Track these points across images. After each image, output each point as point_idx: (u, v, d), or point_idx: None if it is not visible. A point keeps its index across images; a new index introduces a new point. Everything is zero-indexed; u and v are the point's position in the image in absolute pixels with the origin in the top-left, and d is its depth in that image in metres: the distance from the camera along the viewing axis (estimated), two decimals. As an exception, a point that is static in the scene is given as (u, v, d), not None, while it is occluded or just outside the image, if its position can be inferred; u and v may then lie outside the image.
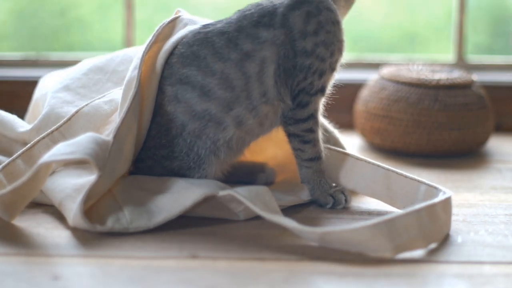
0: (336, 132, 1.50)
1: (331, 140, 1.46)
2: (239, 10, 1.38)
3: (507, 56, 2.16)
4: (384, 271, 1.15)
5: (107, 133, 1.37)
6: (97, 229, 1.24)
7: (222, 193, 1.28)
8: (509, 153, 1.79)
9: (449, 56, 2.07)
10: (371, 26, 2.35)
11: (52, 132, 1.39)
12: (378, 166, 1.40)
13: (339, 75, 1.40)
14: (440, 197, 1.28)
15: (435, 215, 1.24)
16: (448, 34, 2.10)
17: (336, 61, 1.36)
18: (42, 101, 1.52)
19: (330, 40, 1.35)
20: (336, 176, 1.42)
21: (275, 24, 1.34)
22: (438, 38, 2.35)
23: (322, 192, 1.38)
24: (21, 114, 1.58)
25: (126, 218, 1.26)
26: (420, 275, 1.15)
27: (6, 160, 1.39)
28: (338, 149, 1.44)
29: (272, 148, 1.51)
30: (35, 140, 1.38)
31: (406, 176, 1.37)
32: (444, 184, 1.47)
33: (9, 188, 1.25)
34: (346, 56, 1.39)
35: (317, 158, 1.37)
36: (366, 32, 2.34)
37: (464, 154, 1.76)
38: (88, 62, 1.54)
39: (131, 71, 1.37)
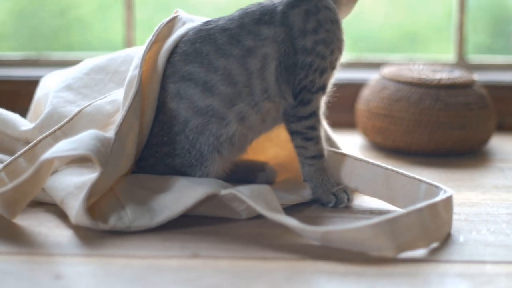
0: (333, 135, 1.50)
1: (329, 142, 1.46)
2: (241, 8, 1.38)
3: (508, 56, 2.16)
4: (386, 270, 1.15)
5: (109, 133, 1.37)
6: (99, 227, 1.24)
7: (224, 192, 1.28)
8: (511, 152, 1.79)
9: (450, 56, 2.07)
10: (372, 26, 2.35)
11: (54, 131, 1.39)
12: (378, 166, 1.40)
13: (340, 75, 1.40)
14: (441, 196, 1.28)
15: (437, 214, 1.24)
16: (448, 34, 2.10)
17: (336, 59, 1.37)
18: (44, 101, 1.52)
19: (330, 39, 1.35)
20: (336, 178, 1.42)
21: (275, 21, 1.35)
22: (438, 38, 2.35)
23: (324, 191, 1.38)
24: (23, 113, 1.58)
25: (128, 216, 1.26)
26: (422, 275, 1.15)
27: (8, 158, 1.39)
28: (337, 150, 1.44)
29: (274, 147, 1.51)
30: (38, 139, 1.38)
31: (406, 175, 1.37)
32: (446, 183, 1.47)
33: (10, 185, 1.24)
34: (347, 56, 1.39)
35: (319, 155, 1.37)
36: (367, 32, 2.34)
37: (466, 153, 1.76)
38: (90, 62, 1.54)
39: (132, 71, 1.37)
